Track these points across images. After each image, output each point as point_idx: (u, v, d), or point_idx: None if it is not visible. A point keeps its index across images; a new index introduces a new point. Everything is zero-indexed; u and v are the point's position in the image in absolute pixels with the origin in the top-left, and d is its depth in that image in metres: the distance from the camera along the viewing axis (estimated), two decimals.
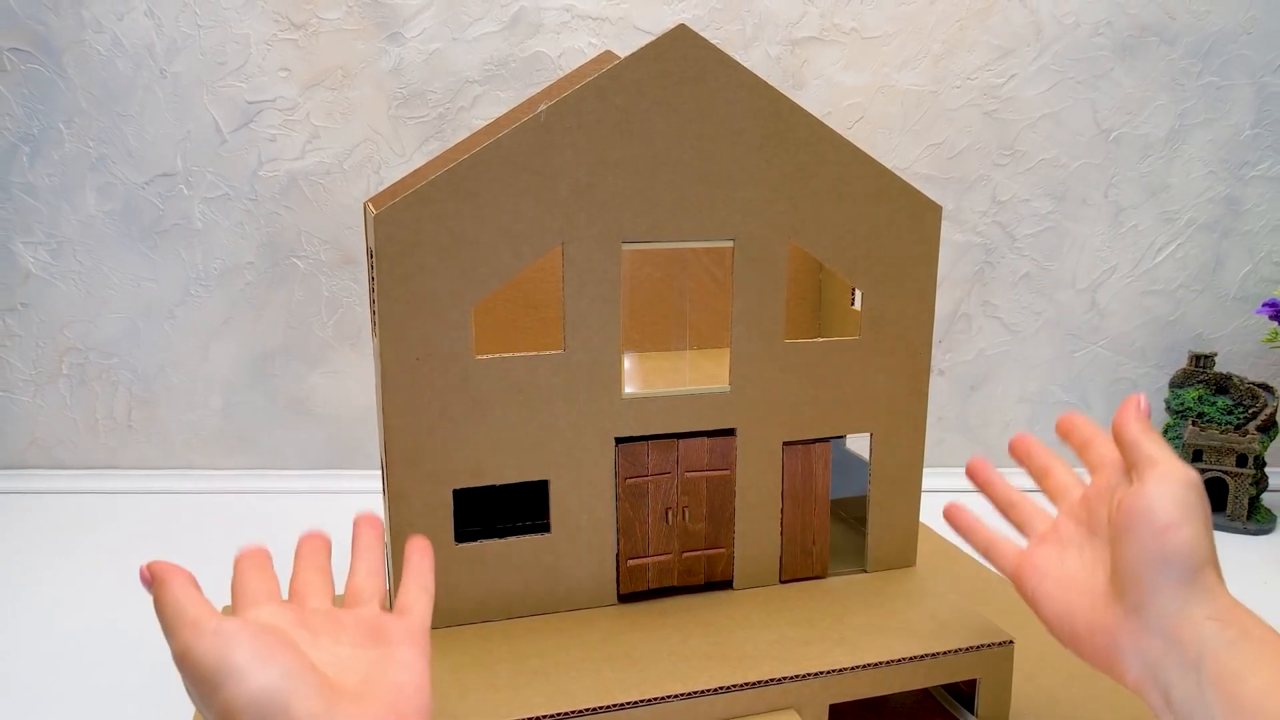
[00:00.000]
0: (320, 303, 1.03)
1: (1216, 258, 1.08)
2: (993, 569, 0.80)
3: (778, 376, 0.64)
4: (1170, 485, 0.45)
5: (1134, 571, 0.45)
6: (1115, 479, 0.50)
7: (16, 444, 1.05)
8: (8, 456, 1.05)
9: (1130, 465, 0.48)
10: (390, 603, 0.50)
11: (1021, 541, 0.55)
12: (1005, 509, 0.58)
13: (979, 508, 0.59)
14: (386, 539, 0.55)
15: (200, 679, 0.37)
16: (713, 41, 0.58)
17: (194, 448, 1.06)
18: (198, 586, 0.42)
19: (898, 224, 0.64)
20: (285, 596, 0.46)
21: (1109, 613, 0.46)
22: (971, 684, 0.60)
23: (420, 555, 0.49)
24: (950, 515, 0.60)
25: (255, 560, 0.48)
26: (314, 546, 0.51)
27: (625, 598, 0.64)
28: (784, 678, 0.55)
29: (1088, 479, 0.55)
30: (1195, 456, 0.97)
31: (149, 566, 0.43)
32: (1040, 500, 0.57)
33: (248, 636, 0.38)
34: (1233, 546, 0.94)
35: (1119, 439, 0.49)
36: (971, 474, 0.60)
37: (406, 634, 0.44)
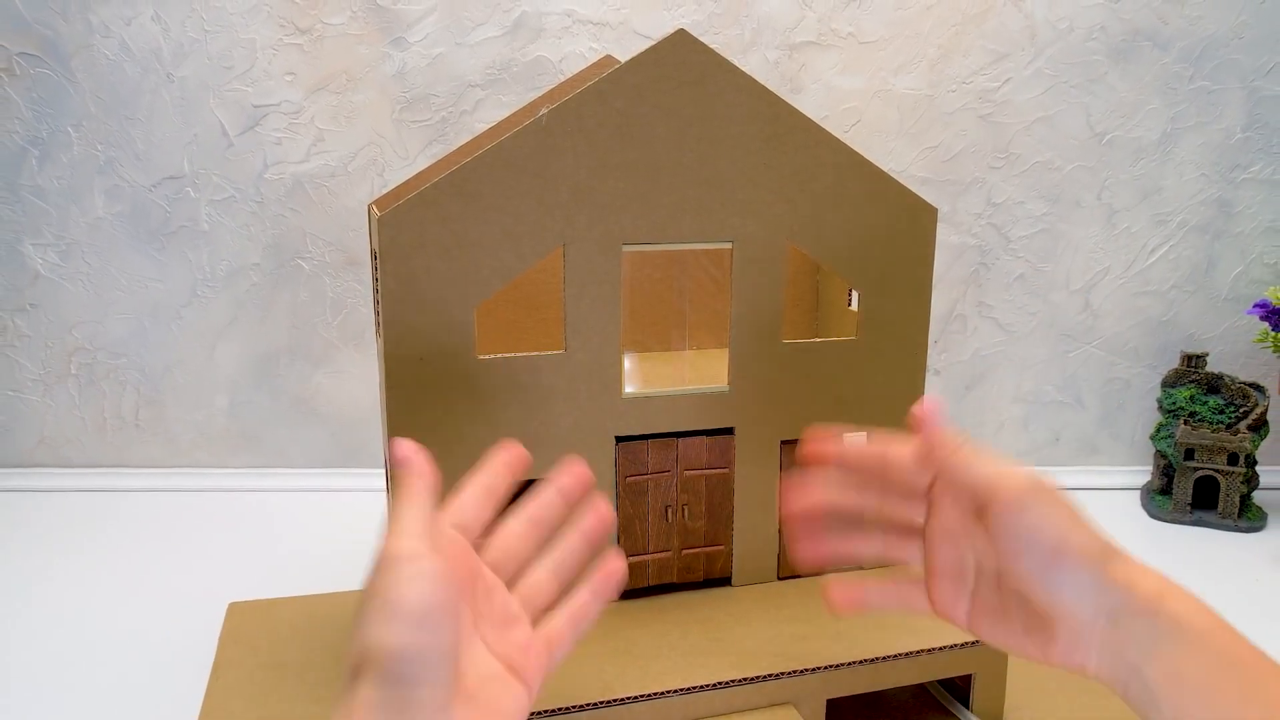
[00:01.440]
0: (325, 303, 1.04)
1: (1208, 259, 1.09)
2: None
3: (776, 376, 0.64)
4: (1030, 504, 0.42)
5: (1044, 600, 0.42)
6: (950, 503, 0.45)
7: (26, 443, 1.05)
8: (17, 455, 1.05)
9: (971, 490, 0.44)
10: None
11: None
12: (878, 476, 0.49)
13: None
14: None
15: (368, 592, 0.36)
16: (711, 46, 0.58)
17: (200, 446, 1.06)
18: (435, 496, 0.40)
19: (894, 226, 0.64)
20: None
21: (1043, 633, 0.43)
22: (967, 679, 0.60)
23: (595, 595, 0.46)
24: (833, 594, 0.50)
25: (554, 503, 0.44)
26: (547, 500, 0.45)
27: (625, 594, 0.62)
28: (782, 673, 0.55)
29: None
30: (1187, 455, 0.98)
31: (399, 447, 0.41)
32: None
33: (433, 587, 0.36)
34: (1225, 544, 0.94)
35: (940, 472, 0.45)
36: (815, 491, 0.50)
37: (538, 674, 0.42)
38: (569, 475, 0.46)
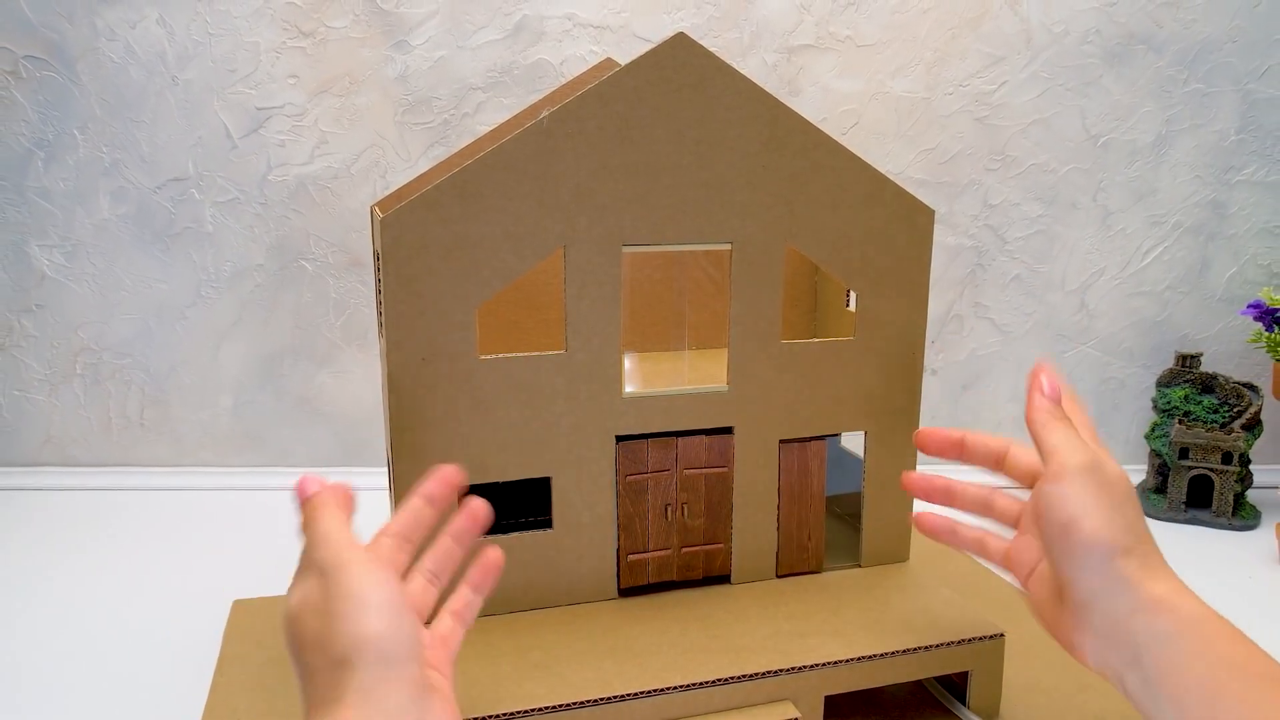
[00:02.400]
0: (328, 304, 1.04)
1: (1202, 260, 1.09)
2: (985, 563, 0.82)
3: (774, 376, 0.64)
4: (1064, 480, 0.44)
5: (1060, 573, 0.44)
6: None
7: (32, 442, 1.05)
8: (23, 454, 1.06)
9: (1042, 459, 0.47)
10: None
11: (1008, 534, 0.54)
12: (982, 512, 0.56)
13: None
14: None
15: (332, 596, 0.39)
16: (711, 49, 0.58)
17: (205, 446, 1.07)
18: (351, 511, 0.43)
19: (891, 227, 0.64)
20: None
21: (1058, 612, 0.46)
22: (964, 676, 0.60)
23: (474, 589, 0.48)
24: (925, 527, 0.57)
25: (422, 509, 0.47)
26: (463, 528, 0.49)
27: (625, 592, 0.64)
28: (780, 670, 0.55)
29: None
30: (1182, 454, 0.98)
31: (307, 485, 0.44)
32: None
33: (390, 587, 0.40)
34: (1219, 542, 0.95)
35: (1029, 430, 0.48)
36: (923, 489, 0.57)
37: (448, 666, 0.44)
38: (435, 481, 0.48)
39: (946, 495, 0.57)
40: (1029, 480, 0.51)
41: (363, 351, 1.06)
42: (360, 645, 0.38)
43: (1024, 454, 0.52)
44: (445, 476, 0.48)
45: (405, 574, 0.46)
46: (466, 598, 0.48)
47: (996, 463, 0.54)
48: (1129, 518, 0.44)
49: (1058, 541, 0.44)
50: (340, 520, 0.43)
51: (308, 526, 0.43)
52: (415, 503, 0.47)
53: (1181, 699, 0.39)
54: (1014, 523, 0.54)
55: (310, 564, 0.41)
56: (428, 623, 0.46)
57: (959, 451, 0.55)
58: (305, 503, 0.44)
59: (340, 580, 0.40)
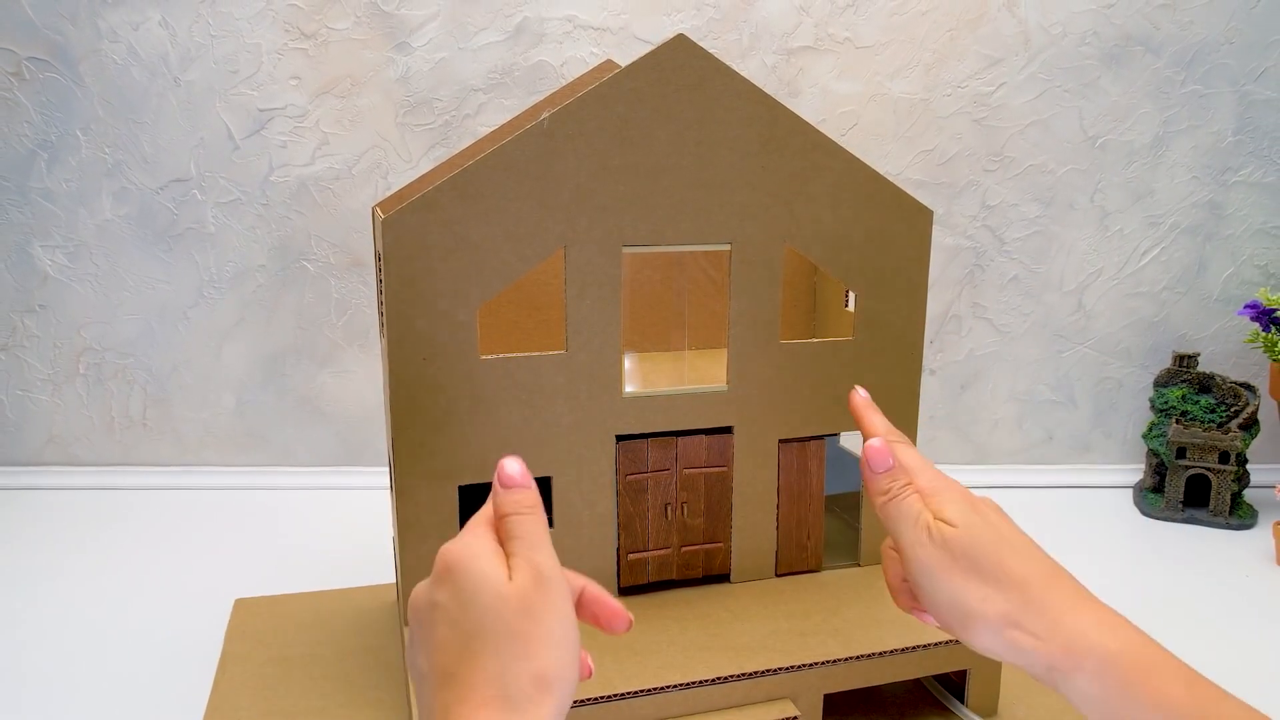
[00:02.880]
0: (330, 304, 1.04)
1: (1199, 261, 1.09)
2: None
3: (774, 376, 0.64)
4: (920, 581, 0.43)
5: (982, 650, 0.43)
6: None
7: (35, 441, 1.06)
8: (27, 453, 1.06)
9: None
10: None
11: None
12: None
13: None
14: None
15: (552, 613, 0.37)
16: (710, 51, 0.58)
17: (207, 445, 1.07)
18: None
19: (890, 228, 0.64)
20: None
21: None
22: (962, 674, 0.61)
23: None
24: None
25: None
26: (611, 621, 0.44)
27: (626, 590, 0.64)
28: (780, 668, 0.55)
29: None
30: (1179, 454, 0.99)
31: (511, 469, 0.41)
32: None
33: (576, 628, 0.38)
34: (1216, 541, 0.95)
35: (878, 511, 0.46)
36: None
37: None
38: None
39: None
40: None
41: (364, 351, 1.06)
42: (564, 674, 0.37)
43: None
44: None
45: None
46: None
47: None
48: (1008, 566, 0.42)
49: (952, 627, 0.43)
50: (546, 533, 0.40)
51: (522, 522, 0.40)
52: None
53: (1092, 714, 0.40)
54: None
55: (530, 561, 0.38)
56: None
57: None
58: (516, 492, 0.41)
59: (556, 596, 0.38)
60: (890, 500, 0.45)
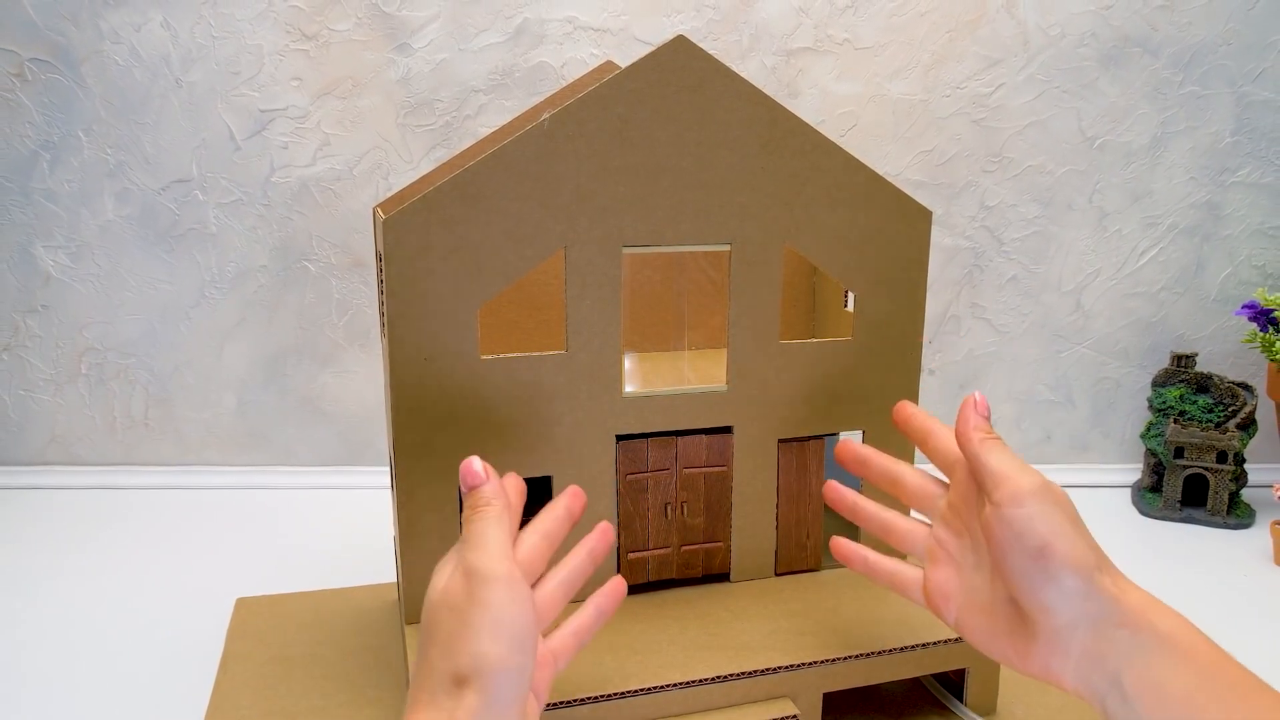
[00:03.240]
0: (331, 304, 1.05)
1: (1197, 261, 1.10)
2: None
3: (773, 376, 0.64)
4: (1026, 503, 0.42)
5: (1028, 600, 0.42)
6: (970, 486, 0.48)
7: (37, 441, 1.06)
8: (29, 453, 1.06)
9: (979, 483, 0.45)
10: None
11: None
12: (882, 535, 0.54)
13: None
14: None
15: (473, 604, 0.38)
16: (710, 52, 0.58)
17: (209, 445, 1.07)
18: (514, 521, 0.43)
19: (889, 228, 0.64)
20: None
21: (1025, 636, 0.43)
22: (961, 673, 0.61)
23: (599, 613, 0.49)
24: (838, 552, 0.56)
25: (563, 520, 0.47)
26: (599, 548, 0.49)
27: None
28: (779, 667, 0.55)
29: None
30: (1177, 453, 0.99)
31: (473, 468, 0.44)
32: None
33: (530, 613, 0.40)
34: (1214, 540, 0.95)
35: (963, 454, 0.47)
36: (835, 502, 0.57)
37: (546, 686, 0.44)
38: (573, 497, 0.49)
39: (852, 512, 0.56)
40: (956, 475, 0.50)
41: (365, 351, 1.06)
42: (483, 668, 0.38)
43: (946, 435, 0.52)
44: (579, 494, 0.49)
45: (540, 582, 0.46)
46: (590, 619, 0.48)
47: (922, 441, 0.53)
48: (1087, 535, 0.43)
49: (1030, 567, 0.42)
50: (503, 526, 0.42)
51: (469, 523, 0.42)
52: (559, 512, 0.47)
53: (1160, 714, 0.38)
54: (920, 552, 0.52)
55: (462, 560, 0.41)
56: (547, 633, 0.46)
57: (863, 468, 0.56)
58: (471, 493, 0.44)
59: (484, 592, 0.39)
60: (991, 438, 0.46)
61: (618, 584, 0.51)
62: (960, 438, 0.47)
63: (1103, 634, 0.41)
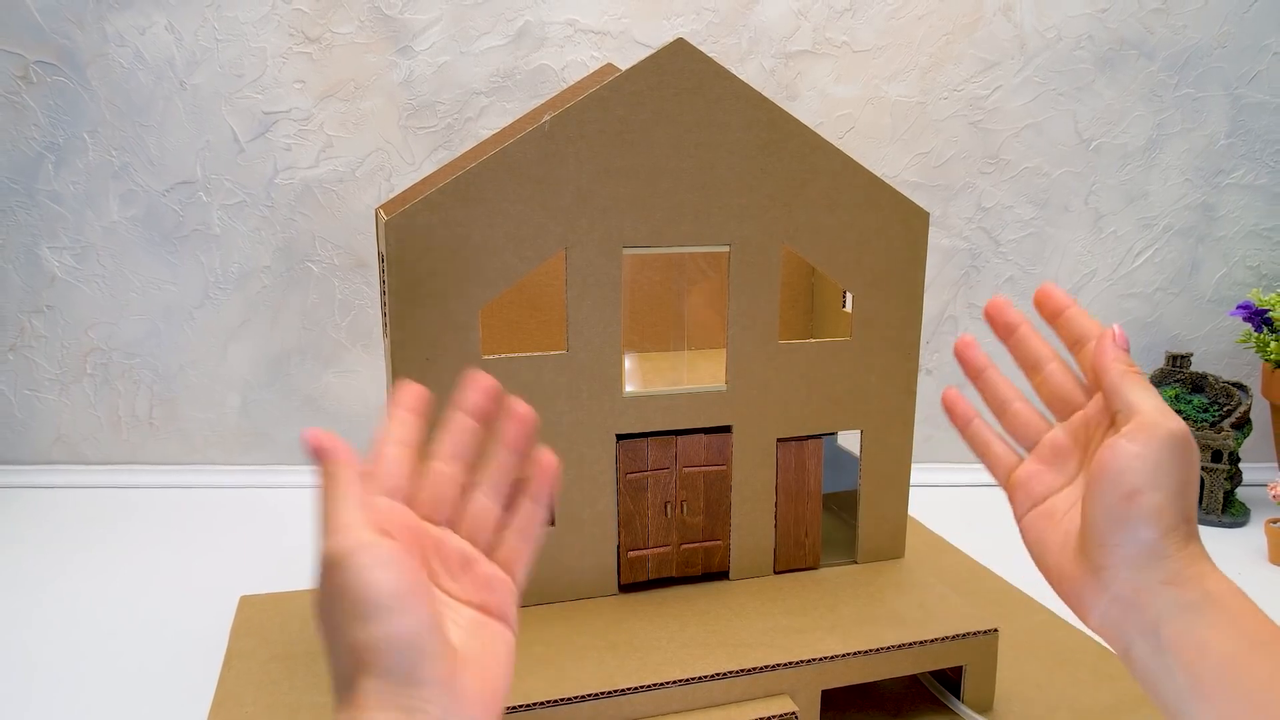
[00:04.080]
0: (334, 305, 1.05)
1: (1192, 262, 1.10)
2: (978, 559, 0.82)
3: (772, 376, 0.64)
4: (1147, 443, 0.40)
5: (1097, 532, 0.41)
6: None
7: (43, 440, 1.06)
8: (35, 452, 1.06)
9: (1112, 411, 0.42)
10: None
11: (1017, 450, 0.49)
12: (999, 411, 0.50)
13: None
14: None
15: (341, 594, 0.35)
16: (710, 55, 0.59)
17: (213, 444, 1.07)
18: (362, 478, 0.38)
19: (887, 230, 0.65)
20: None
21: (1073, 563, 0.42)
22: (958, 670, 0.61)
23: (537, 502, 0.42)
24: (948, 403, 0.52)
25: (467, 424, 0.41)
26: (460, 428, 0.42)
27: (626, 588, 0.64)
28: (778, 664, 0.55)
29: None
30: None
31: (312, 438, 0.38)
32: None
33: (395, 571, 0.35)
34: (1209, 538, 0.94)
35: (1100, 381, 0.43)
36: (965, 361, 0.52)
37: (510, 602, 0.40)
38: (475, 392, 0.42)
39: (978, 373, 0.51)
40: (1090, 380, 0.46)
41: (368, 351, 1.06)
42: (366, 656, 0.34)
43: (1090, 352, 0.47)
44: (483, 385, 0.42)
45: (464, 502, 0.42)
46: (529, 511, 0.43)
47: (1074, 342, 0.48)
48: (1189, 500, 0.40)
49: (1114, 503, 0.40)
50: (347, 495, 0.38)
51: (320, 500, 0.38)
52: (459, 419, 0.42)
53: (1198, 669, 0.37)
54: (1027, 442, 0.48)
55: (318, 554, 0.37)
56: (493, 550, 0.42)
57: (1010, 332, 0.51)
58: (319, 464, 0.39)
59: (339, 577, 0.35)
60: (1134, 371, 0.43)
61: (546, 461, 0.43)
62: (1099, 368, 0.44)
63: (1147, 586, 0.39)
